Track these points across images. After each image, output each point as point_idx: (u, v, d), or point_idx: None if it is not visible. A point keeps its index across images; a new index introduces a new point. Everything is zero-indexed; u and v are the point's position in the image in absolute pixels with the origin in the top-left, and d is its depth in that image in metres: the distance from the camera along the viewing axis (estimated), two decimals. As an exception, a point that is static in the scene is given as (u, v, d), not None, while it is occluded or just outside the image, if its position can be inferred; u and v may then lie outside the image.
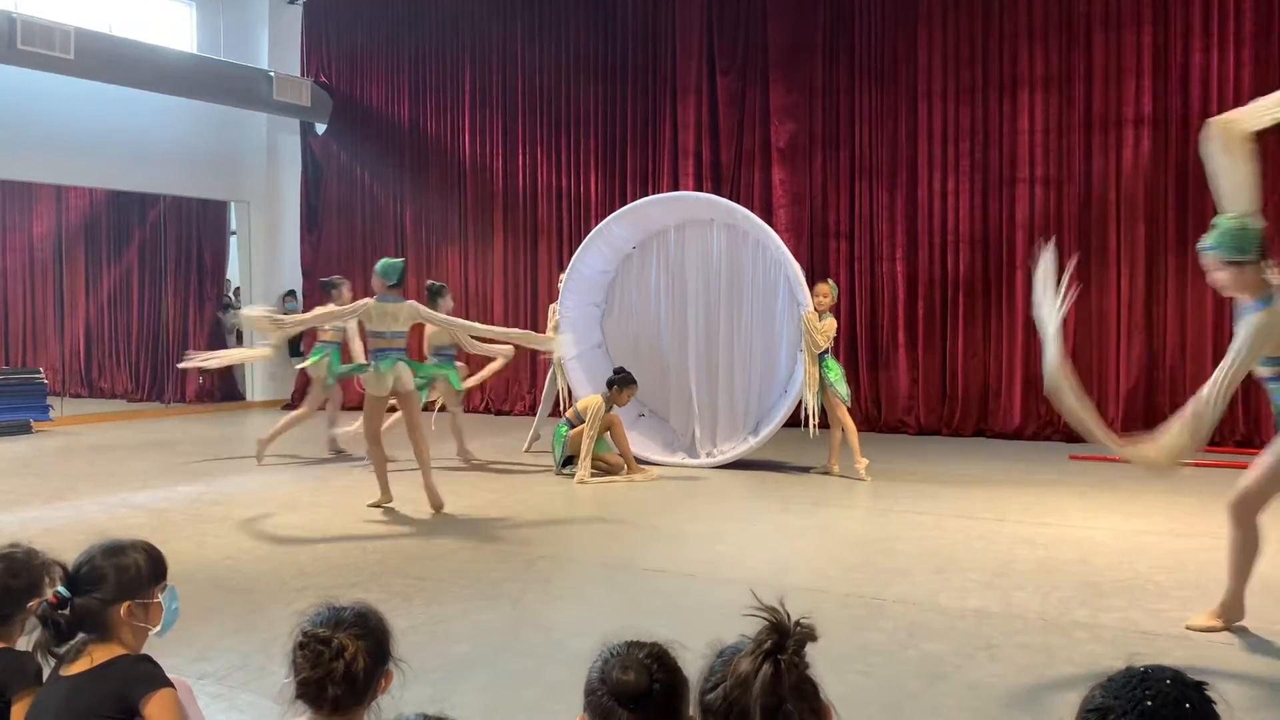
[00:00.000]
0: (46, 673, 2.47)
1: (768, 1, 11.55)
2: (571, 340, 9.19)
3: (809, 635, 1.66)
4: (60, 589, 2.38)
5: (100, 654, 2.38)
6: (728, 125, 11.86)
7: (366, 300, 7.22)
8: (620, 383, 8.70)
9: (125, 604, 2.42)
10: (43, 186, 15.52)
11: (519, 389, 13.19)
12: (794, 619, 1.66)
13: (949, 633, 4.49)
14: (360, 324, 8.36)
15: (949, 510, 7.03)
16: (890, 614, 4.77)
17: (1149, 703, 1.49)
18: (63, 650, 2.39)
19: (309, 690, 2.10)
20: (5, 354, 16.52)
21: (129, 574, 2.44)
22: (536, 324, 11.38)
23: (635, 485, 8.30)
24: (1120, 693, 1.52)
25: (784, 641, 1.63)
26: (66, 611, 2.37)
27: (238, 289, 15.47)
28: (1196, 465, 8.59)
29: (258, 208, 14.88)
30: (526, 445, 10.03)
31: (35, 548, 2.71)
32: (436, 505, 7.22)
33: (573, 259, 9.77)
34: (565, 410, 9.20)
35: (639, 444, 9.08)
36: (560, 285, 9.79)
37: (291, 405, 12.94)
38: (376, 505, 7.33)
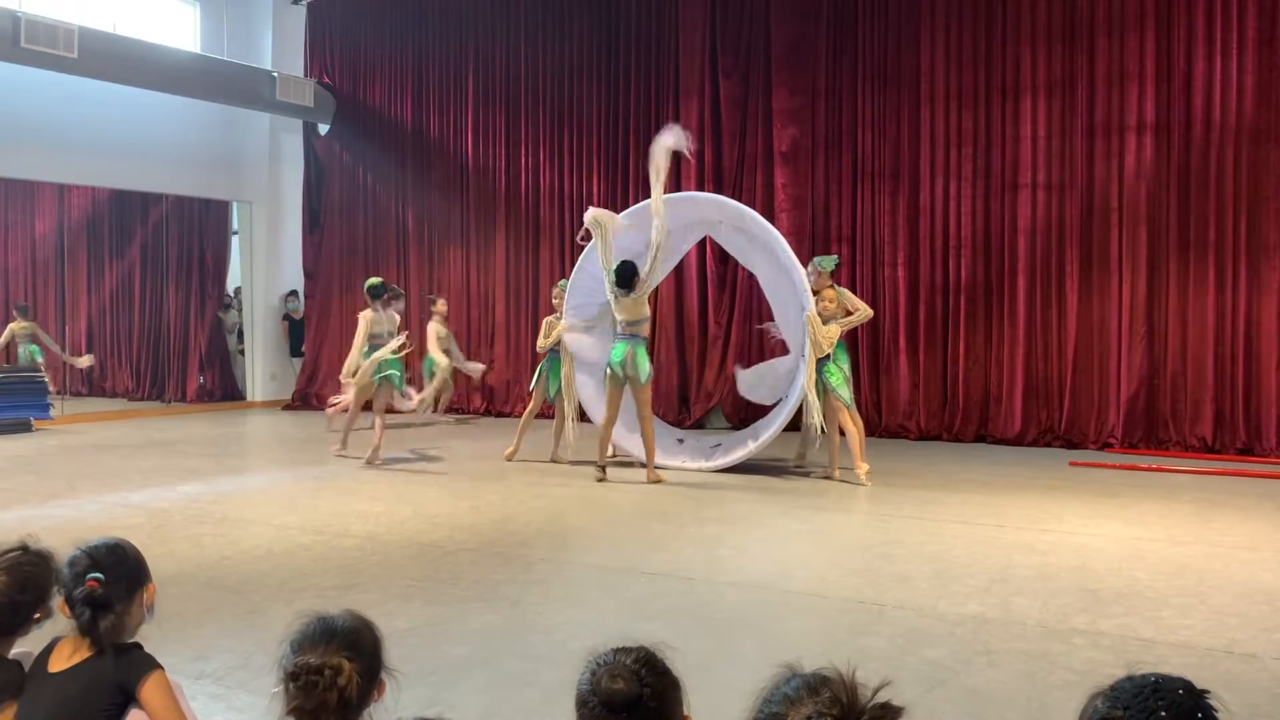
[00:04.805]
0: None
1: (771, 4, 11.55)
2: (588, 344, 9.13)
3: (886, 717, 1.44)
4: (95, 574, 2.44)
5: (83, 648, 2.43)
6: (730, 128, 11.85)
7: None
8: None
9: (150, 585, 2.57)
10: (45, 185, 15.52)
11: (519, 390, 13.17)
12: (870, 698, 1.43)
13: (948, 639, 4.48)
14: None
15: (949, 516, 7.02)
16: (889, 619, 4.77)
17: (1163, 714, 1.45)
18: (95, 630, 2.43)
19: (301, 717, 2.04)
20: (6, 352, 16.50)
21: (139, 562, 2.58)
22: (536, 324, 11.30)
23: (638, 489, 8.29)
24: (1130, 703, 1.48)
25: None
26: (107, 594, 2.43)
27: (238, 288, 15.47)
28: (1195, 474, 8.62)
29: (260, 208, 14.88)
30: (554, 454, 9.52)
31: (45, 551, 2.62)
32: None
33: (580, 257, 9.62)
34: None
35: (639, 448, 9.06)
36: (555, 299, 9.69)
37: None
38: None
